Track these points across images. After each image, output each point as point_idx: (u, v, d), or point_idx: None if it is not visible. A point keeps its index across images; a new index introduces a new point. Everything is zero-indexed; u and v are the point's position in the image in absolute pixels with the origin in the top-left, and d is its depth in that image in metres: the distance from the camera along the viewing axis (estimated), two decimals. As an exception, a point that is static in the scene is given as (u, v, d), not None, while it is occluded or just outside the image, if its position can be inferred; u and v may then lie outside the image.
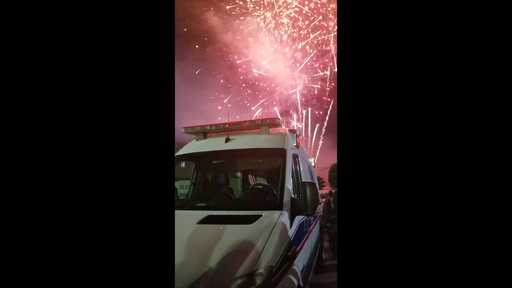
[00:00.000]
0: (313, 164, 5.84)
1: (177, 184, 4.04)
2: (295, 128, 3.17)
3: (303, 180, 2.84)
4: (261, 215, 1.86)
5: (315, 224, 3.68)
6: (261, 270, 1.41)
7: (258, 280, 1.36)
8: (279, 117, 2.97)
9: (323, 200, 7.55)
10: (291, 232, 1.98)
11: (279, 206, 2.01)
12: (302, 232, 2.40)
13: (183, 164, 3.50)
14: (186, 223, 1.78)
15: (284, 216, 1.93)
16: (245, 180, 3.71)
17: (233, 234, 1.66)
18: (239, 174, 3.84)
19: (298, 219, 2.29)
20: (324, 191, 10.74)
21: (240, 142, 2.87)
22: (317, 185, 2.18)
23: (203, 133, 3.17)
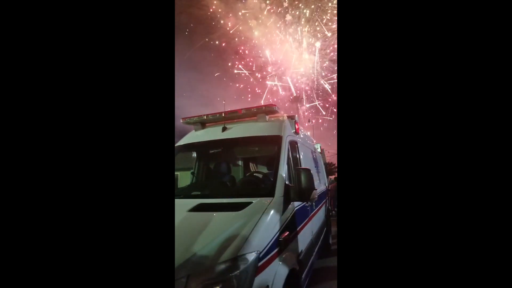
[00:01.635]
0: (319, 150, 5.78)
1: (183, 173, 4.13)
2: (294, 115, 3.12)
3: (303, 167, 2.82)
4: (251, 202, 1.88)
5: (318, 210, 3.68)
6: (246, 255, 1.43)
7: (242, 265, 1.39)
8: (275, 104, 2.94)
9: (332, 185, 7.50)
10: (284, 218, 1.99)
11: (271, 193, 2.02)
12: (299, 218, 2.41)
13: (194, 154, 3.57)
14: (178, 211, 1.83)
15: (276, 203, 1.94)
16: (247, 168, 3.74)
17: (221, 221, 1.69)
18: (240, 162, 3.87)
19: (295, 205, 2.30)
20: (335, 176, 10.65)
21: (237, 130, 2.87)
22: (311, 172, 2.15)
23: (201, 123, 3.20)
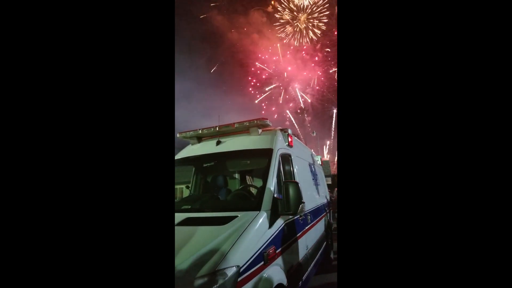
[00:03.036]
0: (319, 162, 5.75)
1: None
2: (287, 128, 3.16)
3: (296, 179, 2.83)
4: (237, 216, 1.89)
5: (315, 223, 3.63)
6: (225, 270, 1.44)
7: (221, 280, 1.40)
8: (266, 118, 2.98)
9: (336, 198, 7.37)
10: (271, 232, 1.99)
11: (257, 207, 2.03)
12: (289, 232, 2.39)
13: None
14: None
15: (262, 217, 1.95)
16: (243, 181, 3.76)
17: (204, 235, 1.71)
18: (237, 175, 3.90)
19: (285, 218, 2.29)
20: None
21: (230, 144, 2.92)
22: (299, 185, 2.16)
23: (197, 137, 3.27)
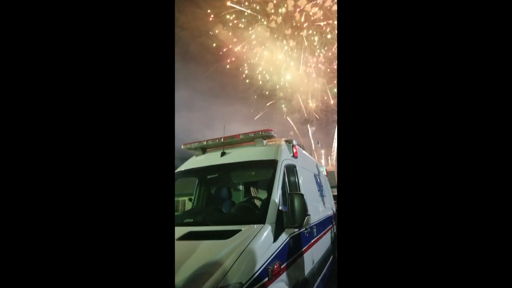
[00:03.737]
0: (324, 173, 5.68)
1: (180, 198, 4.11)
2: (291, 139, 3.14)
3: (301, 191, 2.78)
4: (240, 230, 1.85)
5: (321, 236, 3.54)
6: (227, 287, 1.39)
7: None
8: (272, 129, 2.98)
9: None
10: (275, 246, 1.93)
11: (261, 220, 1.98)
12: (295, 245, 2.33)
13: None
14: None
15: (266, 230, 1.90)
16: (248, 193, 3.72)
17: (206, 249, 1.67)
18: (241, 187, 3.86)
19: (290, 231, 2.23)
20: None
21: (235, 155, 2.91)
22: (304, 197, 2.11)
23: (202, 148, 3.27)
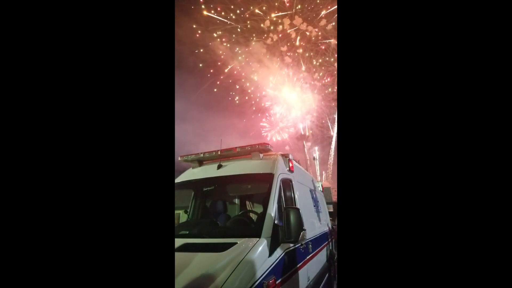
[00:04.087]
0: (320, 188, 5.68)
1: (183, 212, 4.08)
2: (288, 153, 3.17)
3: (297, 205, 2.77)
4: (236, 243, 1.83)
5: (317, 253, 3.49)
6: None
7: None
8: (268, 143, 3.01)
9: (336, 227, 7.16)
10: (271, 260, 1.91)
11: (257, 234, 1.97)
12: (290, 261, 2.29)
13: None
14: None
15: (262, 244, 1.88)
16: (243, 206, 3.69)
17: (202, 262, 1.64)
18: (237, 201, 3.83)
19: (285, 247, 2.21)
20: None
21: (231, 168, 2.92)
22: (300, 211, 2.12)
23: (198, 160, 3.28)
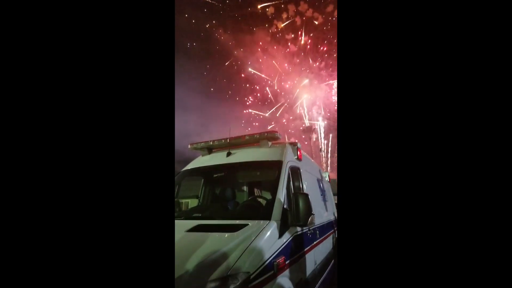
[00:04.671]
0: (327, 178, 5.73)
1: (193, 201, 4.17)
2: (296, 142, 3.22)
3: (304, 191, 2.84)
4: (247, 224, 1.92)
5: (323, 239, 3.57)
6: (236, 275, 1.45)
7: (232, 285, 1.41)
8: (276, 130, 3.06)
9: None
10: (280, 242, 1.99)
11: (268, 216, 2.05)
12: (298, 244, 2.38)
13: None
14: (177, 231, 1.89)
15: (272, 226, 1.96)
16: (251, 193, 3.78)
17: (215, 241, 1.73)
18: (245, 188, 3.92)
19: (294, 230, 2.29)
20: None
21: (240, 155, 2.99)
22: (309, 197, 2.18)
23: (208, 148, 3.35)
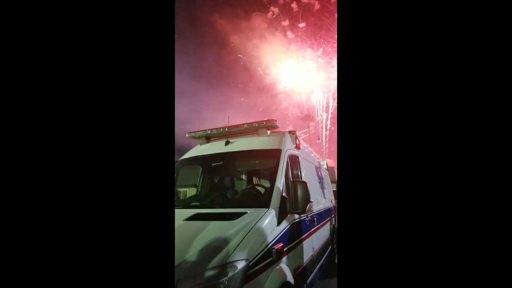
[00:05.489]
0: (325, 166, 5.75)
1: (191, 190, 4.18)
2: (295, 130, 3.19)
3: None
4: (246, 212, 1.92)
5: (321, 226, 3.63)
6: (235, 263, 1.46)
7: (231, 272, 1.42)
8: (275, 119, 3.03)
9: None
10: (279, 229, 2.01)
11: (266, 204, 2.05)
12: (296, 231, 2.40)
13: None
14: (175, 220, 1.90)
15: (271, 214, 1.97)
16: (250, 182, 3.79)
17: (214, 229, 1.74)
18: (244, 176, 3.93)
19: (292, 218, 2.31)
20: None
21: (239, 144, 2.97)
22: (307, 184, 2.18)
23: (206, 137, 3.32)
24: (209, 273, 1.39)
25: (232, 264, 1.45)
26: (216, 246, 1.54)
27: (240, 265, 1.48)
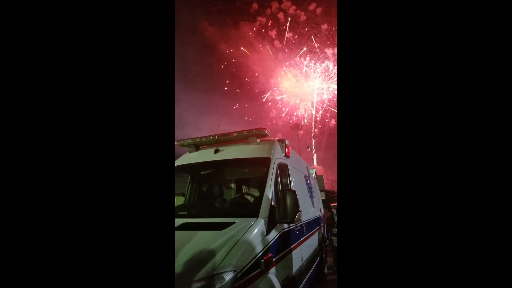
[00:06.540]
0: (314, 175, 5.80)
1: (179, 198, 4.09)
2: (284, 139, 3.21)
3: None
4: (234, 222, 1.89)
5: (310, 235, 3.61)
6: (223, 274, 1.43)
7: (218, 284, 1.38)
8: (265, 128, 3.05)
9: (327, 213, 7.38)
10: (268, 239, 1.98)
11: (255, 214, 2.04)
12: (285, 241, 2.38)
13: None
14: None
15: (259, 224, 1.95)
16: (239, 190, 3.75)
17: (202, 239, 1.70)
18: (233, 185, 3.89)
19: (281, 227, 2.29)
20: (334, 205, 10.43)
21: (228, 152, 2.95)
22: (296, 194, 2.18)
23: (195, 145, 3.29)
24: (196, 285, 1.35)
25: (219, 275, 1.42)
26: (203, 258, 1.50)
27: (228, 276, 1.44)
